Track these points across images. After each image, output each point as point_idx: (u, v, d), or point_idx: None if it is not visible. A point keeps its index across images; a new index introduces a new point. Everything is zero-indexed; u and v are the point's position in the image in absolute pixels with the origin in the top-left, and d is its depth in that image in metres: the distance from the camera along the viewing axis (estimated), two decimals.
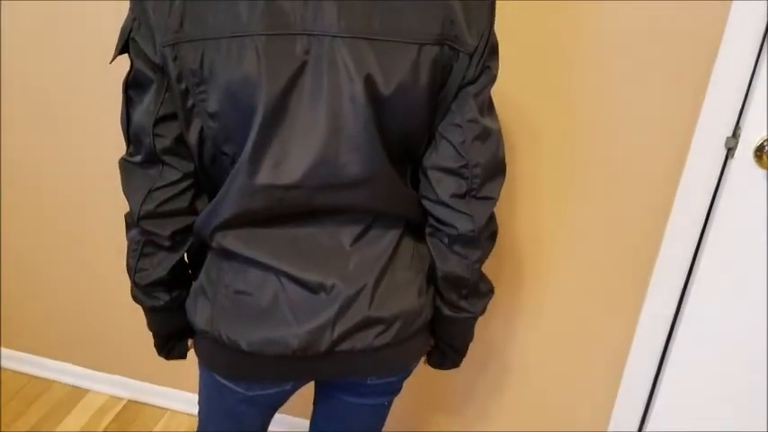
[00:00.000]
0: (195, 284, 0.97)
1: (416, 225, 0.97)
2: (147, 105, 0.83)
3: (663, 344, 1.47)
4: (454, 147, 0.87)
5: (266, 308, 0.88)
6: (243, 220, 0.87)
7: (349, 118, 0.80)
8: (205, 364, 1.00)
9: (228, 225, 0.87)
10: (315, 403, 1.18)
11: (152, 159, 0.86)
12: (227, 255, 0.90)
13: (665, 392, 1.50)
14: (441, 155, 0.88)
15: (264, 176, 0.82)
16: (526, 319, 1.53)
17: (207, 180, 0.90)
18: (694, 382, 1.47)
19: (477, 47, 0.82)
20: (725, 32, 1.16)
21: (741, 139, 1.22)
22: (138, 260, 0.93)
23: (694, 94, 1.22)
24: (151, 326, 1.03)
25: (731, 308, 1.37)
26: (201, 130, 0.84)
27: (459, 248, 0.94)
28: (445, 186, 0.89)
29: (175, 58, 0.79)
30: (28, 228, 1.80)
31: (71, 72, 1.53)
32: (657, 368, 1.50)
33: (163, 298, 0.97)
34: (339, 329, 0.88)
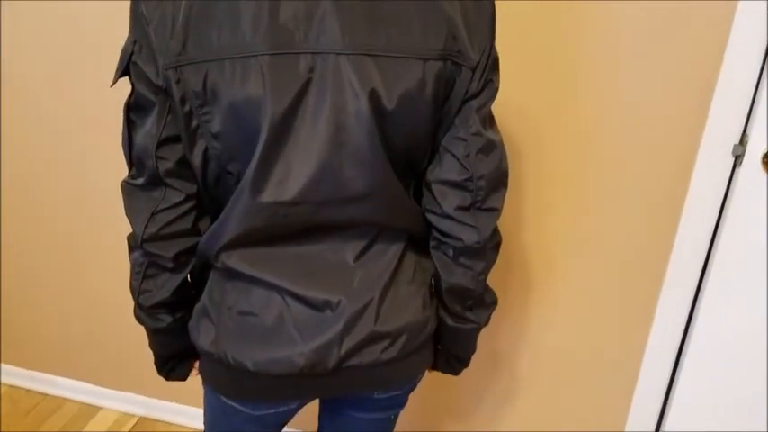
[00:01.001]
0: (198, 306, 0.96)
1: (419, 238, 0.97)
2: (149, 128, 0.83)
3: (676, 349, 1.46)
4: (458, 160, 0.87)
5: (271, 327, 0.88)
6: (247, 240, 0.87)
7: (353, 133, 0.80)
8: (210, 385, 0.99)
9: (233, 245, 0.88)
10: (320, 419, 1.18)
11: (155, 182, 0.86)
12: (232, 275, 0.90)
13: (680, 396, 1.49)
14: (445, 168, 0.89)
15: (269, 194, 0.82)
16: (538, 322, 1.52)
17: (210, 201, 0.90)
18: (709, 384, 1.46)
19: (479, 62, 0.83)
20: (729, 39, 1.16)
21: (748, 147, 1.21)
22: (142, 282, 0.93)
23: (701, 102, 1.22)
24: (152, 346, 1.03)
25: (744, 311, 1.37)
26: (206, 150, 0.84)
27: (465, 260, 0.94)
28: (450, 200, 0.90)
29: (178, 81, 0.79)
30: (36, 250, 1.81)
31: (72, 72, 1.53)
32: (672, 373, 1.49)
33: (166, 320, 0.97)
34: (346, 346, 0.88)
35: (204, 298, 0.95)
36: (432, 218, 0.92)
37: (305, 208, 0.84)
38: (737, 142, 1.22)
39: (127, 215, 0.89)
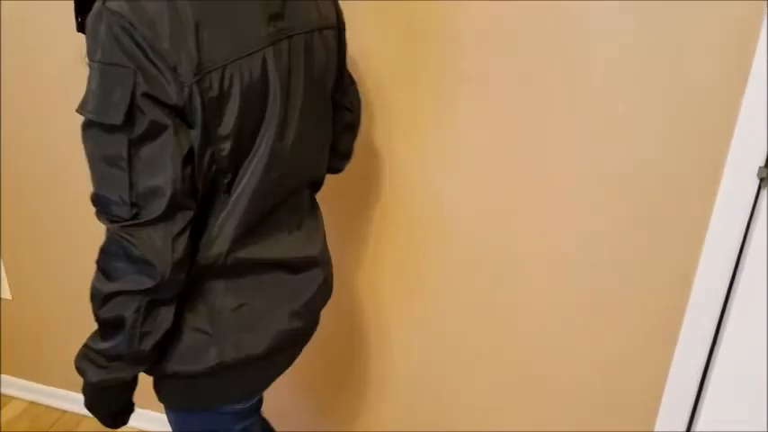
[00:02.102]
0: (181, 336, 0.94)
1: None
2: (165, 151, 0.79)
3: (708, 349, 1.44)
4: (346, 107, 1.16)
5: (272, 305, 0.99)
6: (251, 224, 0.93)
7: (319, 96, 1.00)
8: (205, 403, 1.03)
9: (241, 236, 0.92)
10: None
11: (174, 207, 0.81)
12: (235, 270, 0.94)
13: (711, 397, 1.47)
14: (341, 116, 1.15)
15: (278, 166, 0.93)
16: (560, 323, 1.51)
17: (200, 211, 0.89)
18: (741, 385, 1.44)
19: (343, 25, 1.08)
20: (754, 61, 1.15)
21: None
22: (143, 324, 0.85)
23: (725, 125, 1.21)
24: (113, 402, 1.00)
25: None
26: (212, 155, 0.84)
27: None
28: (347, 140, 1.21)
29: (200, 91, 0.79)
30: (50, 265, 1.82)
31: (72, 73, 1.52)
32: (702, 374, 1.47)
33: (154, 357, 0.92)
34: (326, 292, 1.12)
35: (190, 319, 0.93)
36: (330, 161, 1.14)
37: (295, 176, 0.99)
38: (762, 164, 1.21)
39: (139, 262, 0.81)
